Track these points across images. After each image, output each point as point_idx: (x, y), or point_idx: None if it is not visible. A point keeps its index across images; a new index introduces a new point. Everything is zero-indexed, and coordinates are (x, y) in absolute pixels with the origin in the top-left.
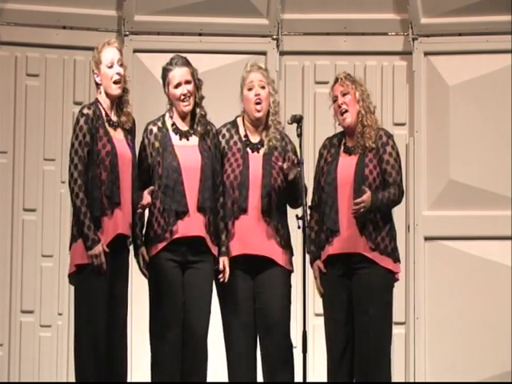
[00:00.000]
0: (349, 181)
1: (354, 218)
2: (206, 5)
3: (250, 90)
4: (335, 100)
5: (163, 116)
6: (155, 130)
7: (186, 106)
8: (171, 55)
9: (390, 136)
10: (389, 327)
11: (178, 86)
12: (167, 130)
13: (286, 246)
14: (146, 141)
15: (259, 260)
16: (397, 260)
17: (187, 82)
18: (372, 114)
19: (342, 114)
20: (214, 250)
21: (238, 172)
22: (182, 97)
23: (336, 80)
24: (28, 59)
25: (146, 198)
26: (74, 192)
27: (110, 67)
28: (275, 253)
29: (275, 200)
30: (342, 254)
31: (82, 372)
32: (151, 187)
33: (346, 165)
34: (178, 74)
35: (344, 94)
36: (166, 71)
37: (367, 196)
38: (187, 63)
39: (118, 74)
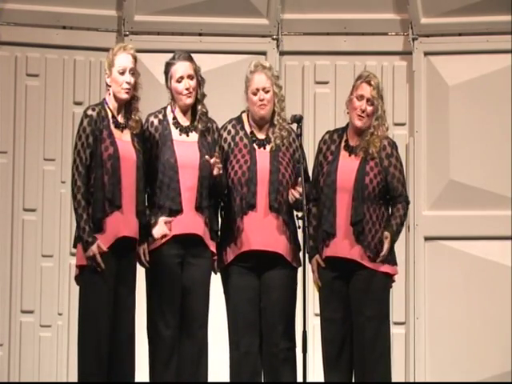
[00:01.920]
0: (348, 186)
1: (352, 216)
2: (206, 5)
3: (254, 94)
4: (359, 98)
5: (165, 109)
6: (156, 122)
7: (188, 99)
8: (171, 55)
9: (393, 146)
10: (386, 327)
11: (180, 79)
12: (168, 123)
13: (294, 241)
14: (147, 133)
15: (267, 256)
16: (394, 264)
17: (190, 77)
18: (385, 127)
19: (359, 115)
20: (212, 247)
21: (245, 168)
22: (185, 91)
23: (369, 81)
24: (28, 59)
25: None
26: (73, 193)
27: (122, 74)
28: (283, 248)
29: (283, 195)
30: (339, 257)
31: (84, 373)
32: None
33: (347, 168)
34: (181, 67)
35: (371, 104)
36: (168, 65)
37: (388, 241)
38: (190, 58)
39: (128, 83)
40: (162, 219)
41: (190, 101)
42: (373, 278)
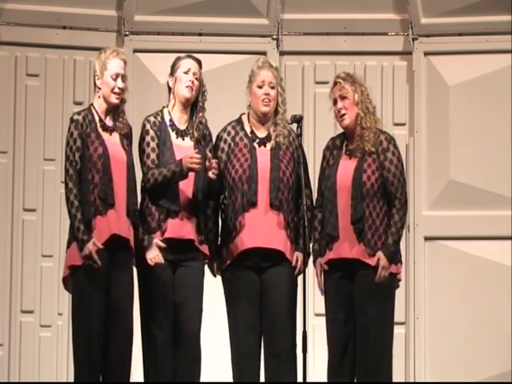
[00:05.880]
0: (347, 186)
1: (352, 214)
2: (206, 5)
3: (259, 87)
4: (335, 103)
5: (161, 111)
6: (157, 122)
7: (188, 93)
8: (171, 55)
9: (390, 141)
10: (389, 328)
11: (187, 71)
12: (166, 125)
13: (295, 240)
14: (152, 132)
15: (268, 254)
16: (398, 262)
17: (195, 75)
18: (372, 114)
19: (340, 116)
20: (204, 249)
21: (246, 166)
22: (188, 82)
23: (335, 83)
24: (28, 59)
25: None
26: (66, 197)
27: (114, 79)
28: (284, 246)
29: (284, 193)
30: (342, 258)
31: (79, 375)
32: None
33: (346, 169)
34: (192, 63)
35: (343, 98)
36: (179, 59)
37: (382, 261)
38: (201, 65)
39: (120, 88)
40: (155, 242)
41: (189, 95)
42: (373, 278)
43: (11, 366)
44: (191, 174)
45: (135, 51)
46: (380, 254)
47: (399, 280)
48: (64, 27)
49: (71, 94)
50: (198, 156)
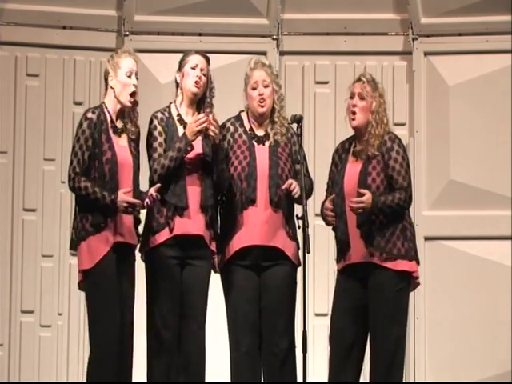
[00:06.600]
0: (353, 190)
1: (357, 218)
2: (206, 5)
3: (253, 89)
4: (352, 97)
5: (168, 107)
6: (164, 117)
7: (194, 87)
8: (171, 55)
9: (394, 140)
10: (402, 328)
11: (195, 67)
12: (173, 120)
13: (294, 237)
14: (160, 127)
15: (267, 251)
16: (412, 259)
17: (203, 70)
18: (385, 125)
19: (352, 113)
20: (213, 247)
21: (245, 163)
22: (195, 77)
23: (359, 79)
24: (28, 59)
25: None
26: (76, 186)
27: (129, 77)
28: (284, 243)
29: (283, 190)
30: (355, 263)
31: (97, 375)
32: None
33: (351, 173)
34: (199, 59)
35: (361, 98)
36: (187, 54)
37: (367, 197)
38: (208, 62)
39: (135, 85)
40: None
41: (196, 90)
42: (386, 276)
43: (11, 366)
44: (199, 170)
45: (135, 51)
46: (369, 193)
47: (416, 278)
48: (64, 27)
49: (71, 94)
50: (202, 115)
